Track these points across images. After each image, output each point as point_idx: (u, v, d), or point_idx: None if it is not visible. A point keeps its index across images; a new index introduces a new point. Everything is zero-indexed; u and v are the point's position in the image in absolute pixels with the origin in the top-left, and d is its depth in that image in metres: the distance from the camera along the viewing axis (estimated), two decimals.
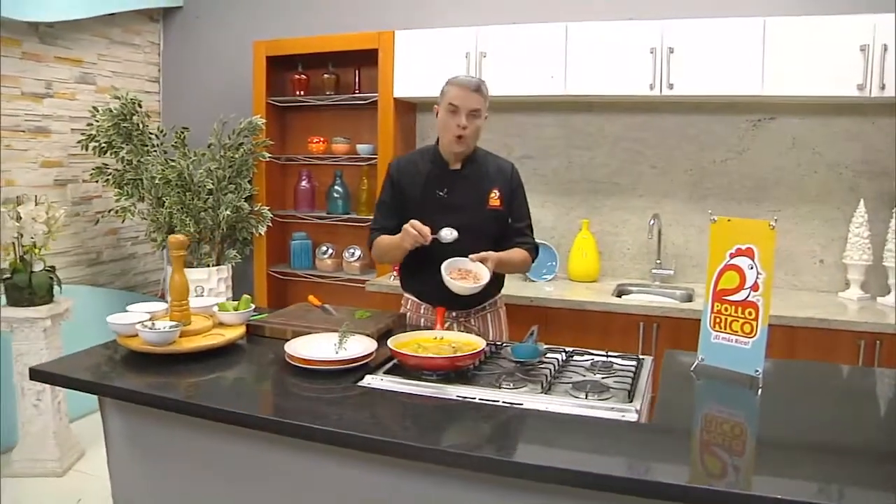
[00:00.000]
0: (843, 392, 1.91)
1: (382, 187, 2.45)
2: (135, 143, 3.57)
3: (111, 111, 3.50)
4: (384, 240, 2.34)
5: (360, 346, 1.99)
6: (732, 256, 1.85)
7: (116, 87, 3.87)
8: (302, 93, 3.83)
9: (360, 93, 3.72)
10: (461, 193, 2.33)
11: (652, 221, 3.29)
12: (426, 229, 2.18)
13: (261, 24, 4.08)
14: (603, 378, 1.86)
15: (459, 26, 3.34)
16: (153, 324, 2.03)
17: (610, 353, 2.08)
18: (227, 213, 3.61)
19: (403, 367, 1.88)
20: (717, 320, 1.88)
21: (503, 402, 1.68)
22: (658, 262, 3.41)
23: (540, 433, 1.49)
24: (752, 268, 1.81)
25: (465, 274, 2.19)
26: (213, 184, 3.60)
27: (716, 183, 3.35)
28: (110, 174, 3.64)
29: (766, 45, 2.86)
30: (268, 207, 3.79)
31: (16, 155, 3.51)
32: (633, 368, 1.94)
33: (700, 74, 2.97)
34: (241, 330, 2.15)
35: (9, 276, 3.04)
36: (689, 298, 3.19)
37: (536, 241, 3.45)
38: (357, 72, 3.73)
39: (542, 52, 3.18)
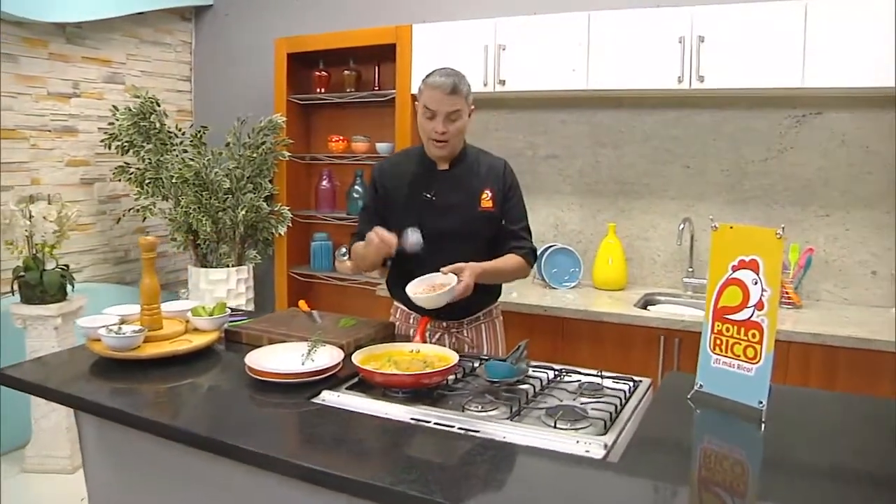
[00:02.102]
0: (865, 432, 1.63)
1: (367, 192, 2.31)
2: (154, 142, 3.56)
3: (130, 110, 3.50)
4: (359, 245, 2.20)
5: (328, 357, 1.86)
6: (735, 269, 1.62)
7: (138, 86, 3.87)
8: (323, 90, 3.74)
9: (379, 90, 3.60)
10: (450, 195, 2.17)
11: (682, 226, 3.03)
12: (390, 236, 2.01)
13: (289, 20, 4.01)
14: (584, 403, 1.66)
15: (477, 18, 3.17)
16: (119, 328, 1.96)
17: (604, 374, 1.88)
18: (244, 213, 3.55)
19: (368, 383, 1.74)
20: (718, 342, 1.65)
21: (458, 428, 1.51)
22: (690, 270, 3.14)
23: (478, 467, 1.31)
24: (756, 283, 1.58)
25: (439, 289, 2.00)
26: (230, 183, 3.55)
27: (755, 184, 3.06)
28: (132, 173, 3.65)
29: (807, 31, 2.57)
30: (288, 207, 3.72)
31: (42, 154, 3.56)
32: (624, 393, 1.73)
33: (733, 66, 2.70)
34: (213, 336, 2.05)
35: (22, 273, 3.07)
36: None
37: (563, 245, 3.30)
38: (377, 68, 3.62)
39: (563, 43, 2.97)
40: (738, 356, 1.61)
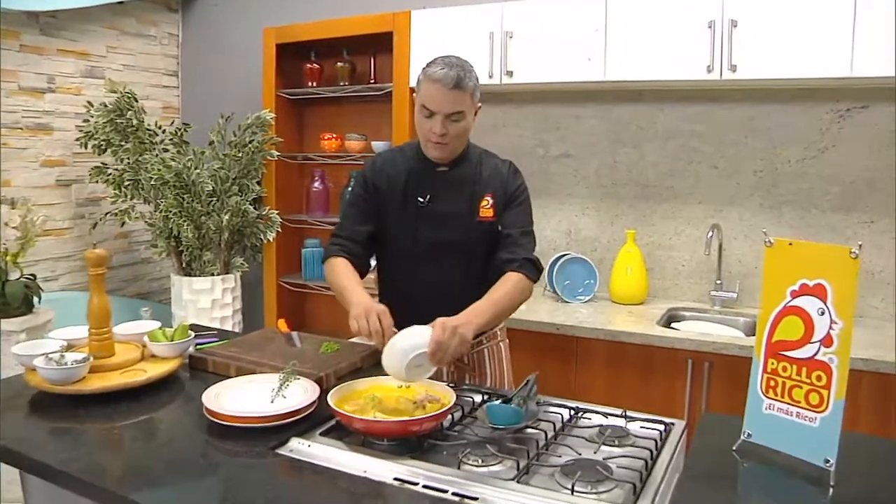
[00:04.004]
0: None
1: (352, 188, 2.01)
2: (132, 140, 3.28)
3: (106, 106, 3.23)
4: (339, 273, 1.85)
5: (301, 394, 1.58)
6: (795, 295, 1.32)
7: (122, 81, 3.60)
8: (314, 84, 3.45)
9: (375, 83, 3.31)
10: (446, 200, 1.86)
11: (710, 234, 2.72)
12: (388, 331, 1.63)
13: (282, 9, 3.73)
14: (607, 457, 1.36)
15: (482, 3, 2.87)
16: (62, 356, 1.68)
17: (628, 414, 1.58)
18: (229, 217, 3.27)
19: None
20: (772, 383, 1.35)
21: (453, 493, 1.21)
22: (718, 282, 2.83)
23: None
24: (822, 313, 1.27)
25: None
26: (214, 185, 3.27)
27: (791, 188, 2.75)
28: (110, 174, 3.38)
29: (857, 13, 2.26)
30: (277, 211, 3.44)
31: (13, 154, 3.29)
32: (655, 441, 1.43)
33: (770, 53, 2.39)
34: (172, 365, 1.77)
35: None
36: (754, 330, 2.61)
37: (577, 254, 3.00)
38: (372, 59, 3.33)
39: (578, 30, 2.67)
40: (798, 402, 1.31)
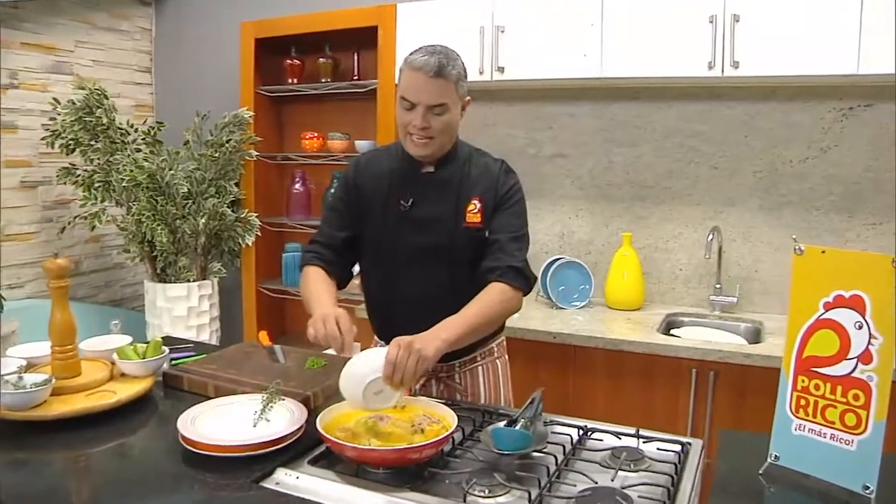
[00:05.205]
0: None
1: (334, 191, 1.87)
2: (103, 140, 3.12)
3: (73, 103, 3.05)
4: (309, 283, 1.73)
5: (287, 417, 1.44)
6: (829, 307, 1.21)
7: (91, 77, 3.43)
8: (295, 81, 3.31)
9: (359, 79, 3.18)
10: (430, 204, 1.72)
11: (710, 236, 2.62)
12: (348, 342, 1.50)
13: (261, 2, 3.57)
14: (625, 485, 1.24)
15: None
16: (20, 377, 1.53)
17: (641, 433, 1.47)
18: (205, 220, 3.12)
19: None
20: (802, 402, 1.25)
21: None
22: (718, 286, 2.74)
23: None
24: (860, 327, 1.17)
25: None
26: (190, 186, 3.12)
27: (793, 188, 2.66)
28: (79, 175, 3.20)
29: (864, 7, 2.17)
30: (256, 214, 3.29)
31: None
32: (675, 466, 1.32)
33: (774, 50, 2.30)
34: (144, 385, 1.63)
35: None
36: (757, 336, 2.52)
37: (571, 258, 2.89)
38: (356, 55, 3.19)
39: (573, 24, 2.56)
40: (833, 423, 1.20)
